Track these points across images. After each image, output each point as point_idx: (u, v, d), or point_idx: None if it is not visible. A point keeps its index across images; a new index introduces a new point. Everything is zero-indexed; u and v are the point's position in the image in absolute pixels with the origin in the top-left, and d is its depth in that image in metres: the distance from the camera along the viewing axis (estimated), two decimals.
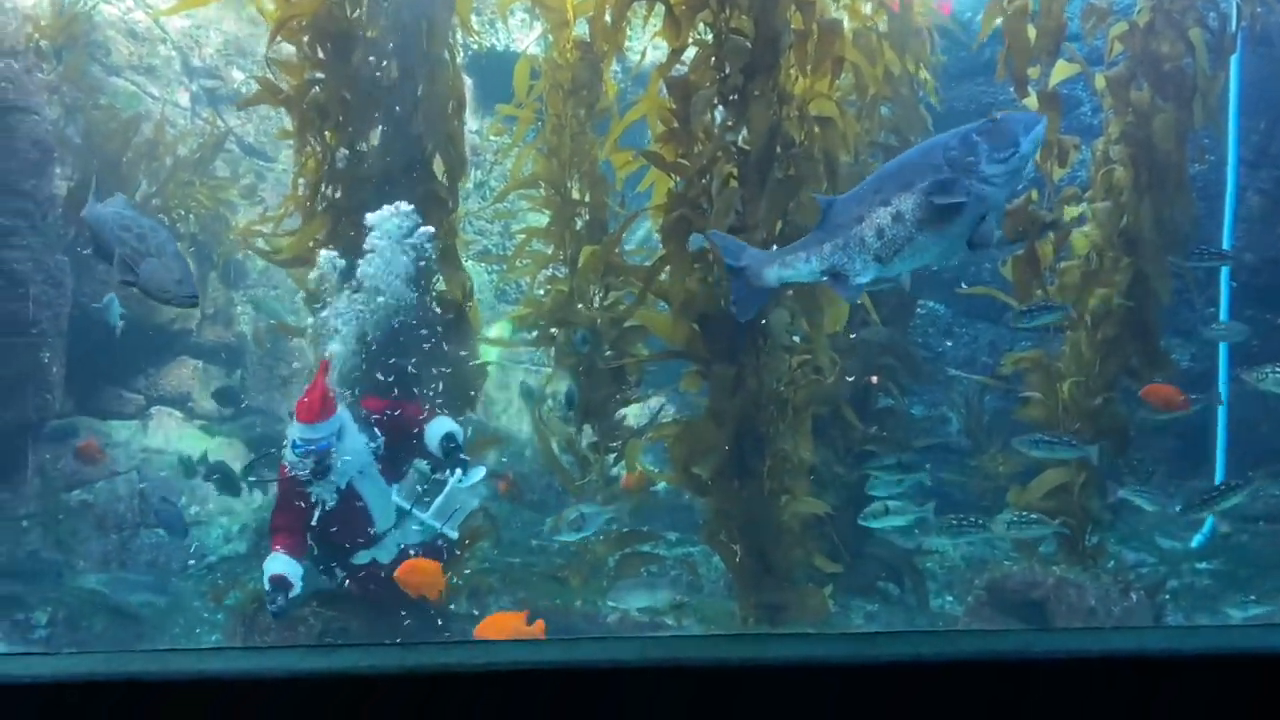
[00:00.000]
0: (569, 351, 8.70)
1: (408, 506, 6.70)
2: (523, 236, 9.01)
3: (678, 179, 7.56)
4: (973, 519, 7.76)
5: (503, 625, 7.00)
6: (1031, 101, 7.48)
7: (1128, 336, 7.94)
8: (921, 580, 9.13)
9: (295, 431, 6.29)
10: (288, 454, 6.43)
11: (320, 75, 7.61)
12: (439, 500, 6.64)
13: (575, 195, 8.74)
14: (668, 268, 7.58)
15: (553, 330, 8.59)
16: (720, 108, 7.34)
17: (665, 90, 7.37)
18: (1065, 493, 7.86)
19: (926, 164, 5.57)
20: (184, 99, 10.75)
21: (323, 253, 7.18)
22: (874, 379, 9.34)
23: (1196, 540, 9.78)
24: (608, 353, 8.59)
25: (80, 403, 9.72)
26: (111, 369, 9.82)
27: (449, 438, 6.77)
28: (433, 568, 6.28)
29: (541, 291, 8.97)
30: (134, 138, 9.66)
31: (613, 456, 8.83)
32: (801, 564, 7.42)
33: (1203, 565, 9.23)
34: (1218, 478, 9.89)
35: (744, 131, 7.30)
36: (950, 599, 9.77)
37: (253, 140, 11.04)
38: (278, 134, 9.20)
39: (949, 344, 11.54)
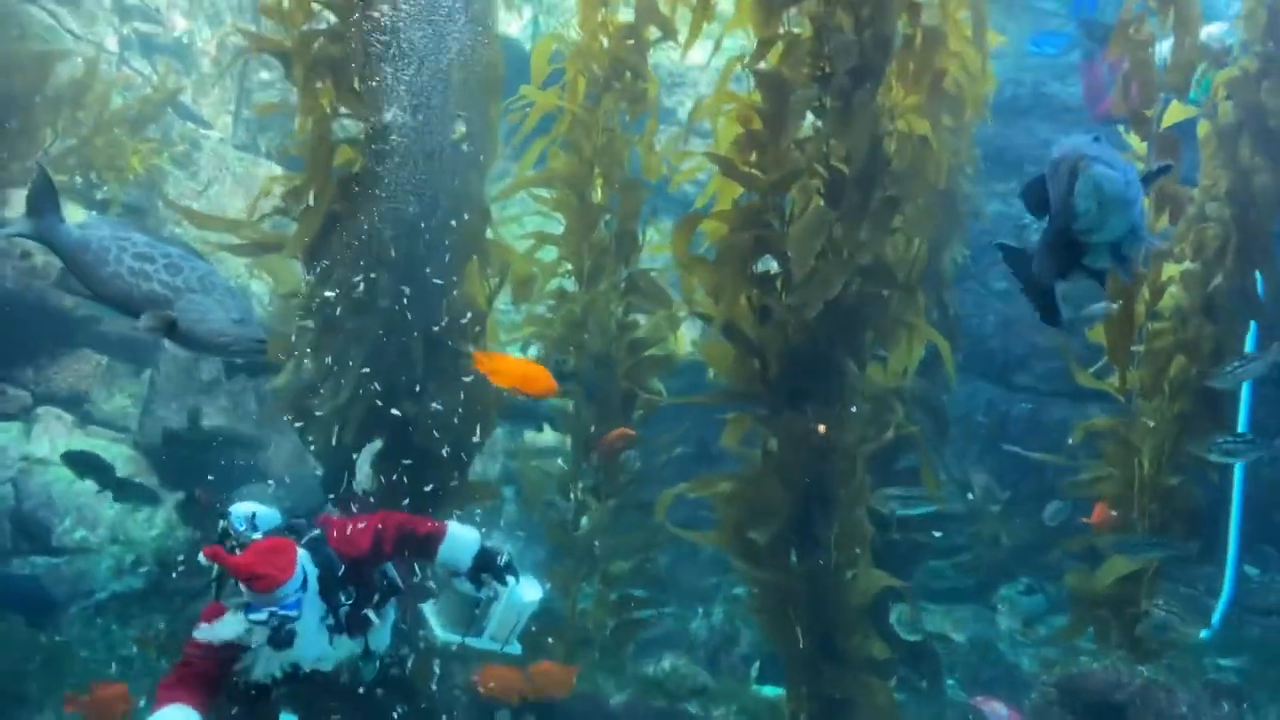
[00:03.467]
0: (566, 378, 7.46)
1: (460, 638, 5.25)
2: (530, 241, 7.67)
3: (745, 191, 6.48)
4: None
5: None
6: (1141, 146, 6.74)
7: (1205, 413, 7.23)
8: (938, 665, 8.22)
9: (250, 598, 4.41)
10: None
11: (330, 21, 6.23)
12: (494, 619, 5.15)
13: (598, 199, 7.52)
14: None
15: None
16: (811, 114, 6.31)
17: (753, 86, 6.30)
18: (1134, 581, 7.07)
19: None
20: (111, 42, 9.03)
21: None
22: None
23: (1204, 632, 9.19)
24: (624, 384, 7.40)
25: None
26: None
27: (484, 553, 5.12)
28: None
29: (544, 308, 7.69)
30: (47, 80, 7.94)
31: (612, 503, 7.58)
32: (863, 650, 6.36)
33: (1226, 662, 8.60)
34: (1229, 565, 9.34)
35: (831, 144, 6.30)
36: (951, 682, 8.90)
37: (189, 102, 9.39)
38: (259, 108, 7.71)
39: (944, 398, 10.74)
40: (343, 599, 4.81)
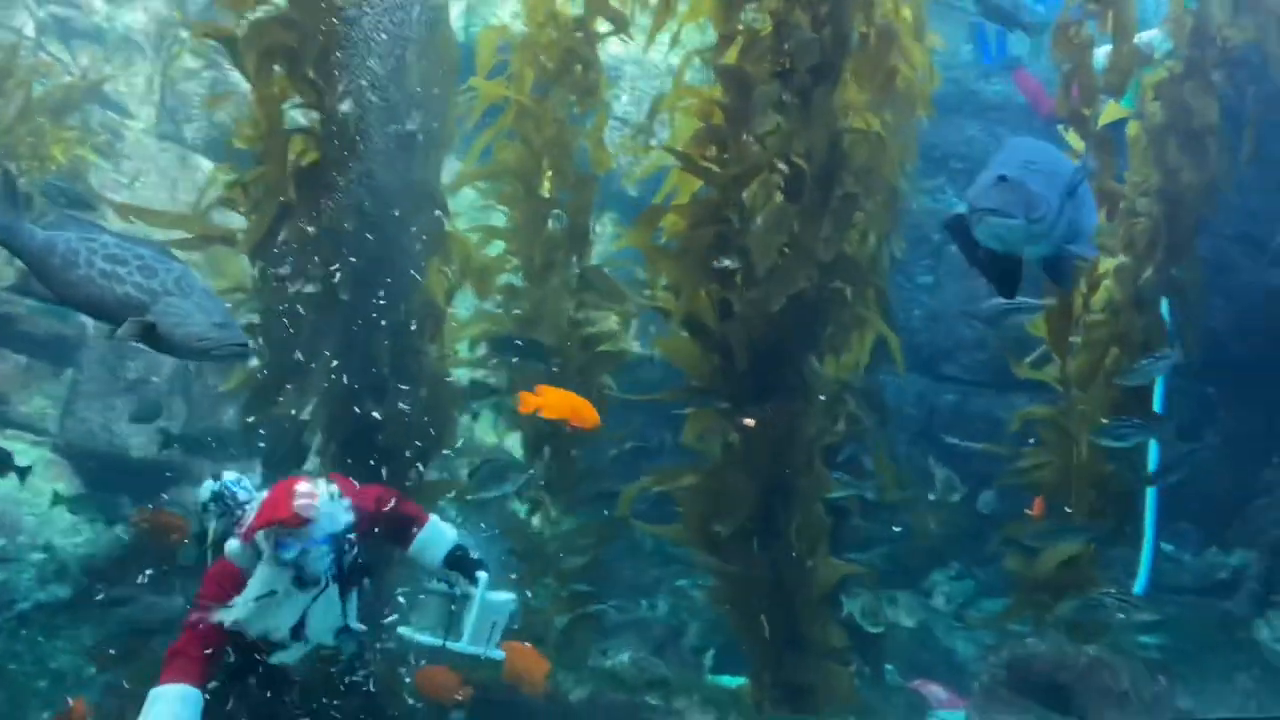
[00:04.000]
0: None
1: (440, 642, 5.15)
2: (475, 236, 7.56)
3: (706, 185, 6.52)
4: None
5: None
6: (1078, 142, 6.98)
7: (1134, 402, 7.52)
8: (880, 650, 8.39)
9: (278, 537, 4.43)
10: (231, 548, 4.63)
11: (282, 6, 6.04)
12: (470, 622, 5.08)
13: (548, 192, 7.45)
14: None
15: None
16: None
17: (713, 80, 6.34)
18: (1076, 565, 7.33)
19: None
20: (28, 27, 8.58)
21: None
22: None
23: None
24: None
25: None
26: None
27: (458, 548, 5.19)
28: None
29: (491, 304, 7.58)
30: None
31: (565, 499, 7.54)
32: (824, 637, 6.47)
33: (1148, 639, 8.97)
34: (1146, 545, 9.73)
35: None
36: (890, 667, 9.08)
37: (109, 90, 8.99)
38: (207, 102, 7.48)
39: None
40: (346, 548, 4.73)
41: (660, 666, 7.00)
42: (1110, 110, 7.04)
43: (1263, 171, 8.57)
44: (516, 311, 7.18)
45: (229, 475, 4.81)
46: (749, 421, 8.16)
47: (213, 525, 4.73)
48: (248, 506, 4.64)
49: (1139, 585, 9.37)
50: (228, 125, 9.38)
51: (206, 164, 9.19)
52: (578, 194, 7.31)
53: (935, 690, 8.51)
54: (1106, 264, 7.26)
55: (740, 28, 6.27)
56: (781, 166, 6.26)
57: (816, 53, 6.09)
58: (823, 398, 6.45)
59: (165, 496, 8.46)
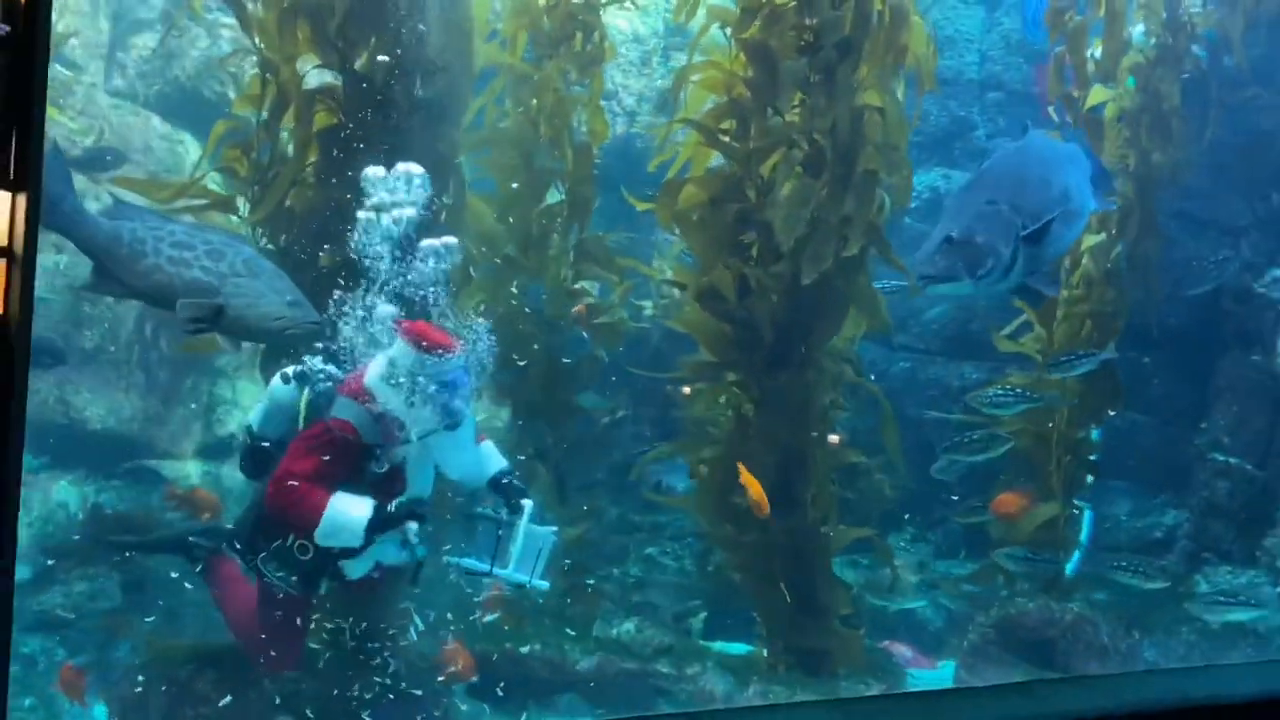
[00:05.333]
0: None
1: (487, 568, 5.13)
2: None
3: (721, 157, 6.54)
4: None
5: None
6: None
7: (1104, 373, 7.87)
8: (861, 614, 8.65)
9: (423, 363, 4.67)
10: (343, 407, 4.74)
11: None
12: (516, 548, 5.10)
13: (546, 161, 7.34)
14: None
15: None
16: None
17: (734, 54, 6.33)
18: (1052, 527, 7.72)
19: None
20: None
21: None
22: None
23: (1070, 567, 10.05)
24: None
25: None
26: None
27: (504, 474, 5.36)
28: None
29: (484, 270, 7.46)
30: None
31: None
32: (835, 603, 6.64)
33: (1099, 596, 9.46)
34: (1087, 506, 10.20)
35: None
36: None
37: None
38: (223, 61, 7.15)
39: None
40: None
41: (666, 634, 7.07)
42: (1096, 93, 7.33)
43: (1204, 151, 9.06)
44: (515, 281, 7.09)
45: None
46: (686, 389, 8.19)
47: (305, 396, 4.83)
48: (343, 372, 4.83)
49: (1082, 544, 9.85)
50: (184, 83, 8.97)
51: (159, 123, 8.72)
52: (578, 163, 7.23)
53: (902, 650, 8.81)
54: (1087, 241, 7.58)
55: (763, 1, 6.29)
56: (801, 143, 6.32)
57: (841, 28, 6.15)
58: (825, 371, 6.55)
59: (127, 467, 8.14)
